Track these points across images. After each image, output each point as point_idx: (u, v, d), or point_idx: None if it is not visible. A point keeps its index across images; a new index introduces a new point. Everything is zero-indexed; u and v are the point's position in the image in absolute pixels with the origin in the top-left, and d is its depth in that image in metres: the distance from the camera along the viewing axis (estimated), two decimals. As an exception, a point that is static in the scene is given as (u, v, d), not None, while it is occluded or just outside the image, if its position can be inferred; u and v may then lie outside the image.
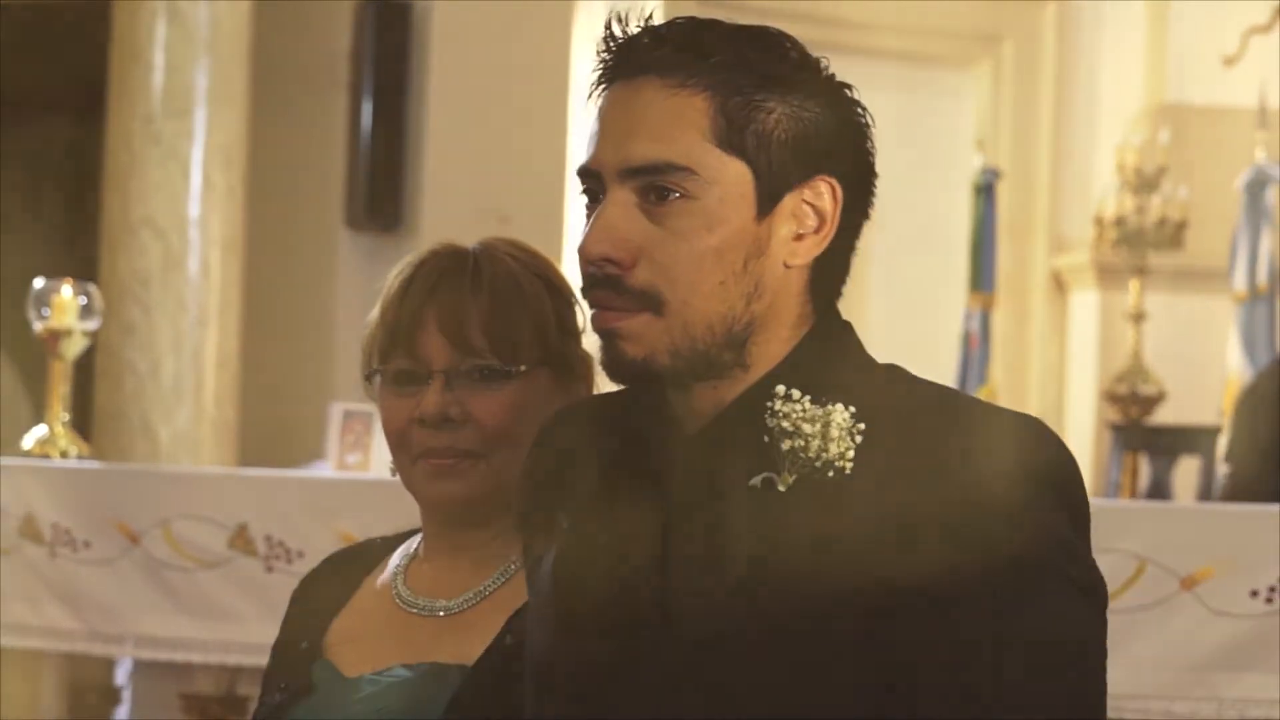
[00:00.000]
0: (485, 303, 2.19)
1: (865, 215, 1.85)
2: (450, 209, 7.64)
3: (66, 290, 4.62)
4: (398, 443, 2.22)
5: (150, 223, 6.92)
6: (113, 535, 4.11)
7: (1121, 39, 9.56)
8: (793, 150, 1.79)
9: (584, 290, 1.82)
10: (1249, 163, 8.69)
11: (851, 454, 1.73)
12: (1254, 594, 3.65)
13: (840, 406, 1.74)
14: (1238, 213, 8.64)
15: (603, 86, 1.83)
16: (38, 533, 4.16)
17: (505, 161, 7.80)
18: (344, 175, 7.97)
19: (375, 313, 2.24)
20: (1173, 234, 8.84)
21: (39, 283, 4.64)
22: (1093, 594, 1.74)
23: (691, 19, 1.82)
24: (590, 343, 2.28)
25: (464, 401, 2.18)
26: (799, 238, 1.80)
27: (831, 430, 1.74)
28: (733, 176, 1.78)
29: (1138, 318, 8.61)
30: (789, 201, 1.80)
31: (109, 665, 4.47)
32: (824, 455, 1.73)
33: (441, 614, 2.21)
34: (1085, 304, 9.49)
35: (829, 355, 1.81)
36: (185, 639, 4.08)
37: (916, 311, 8.96)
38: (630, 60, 1.81)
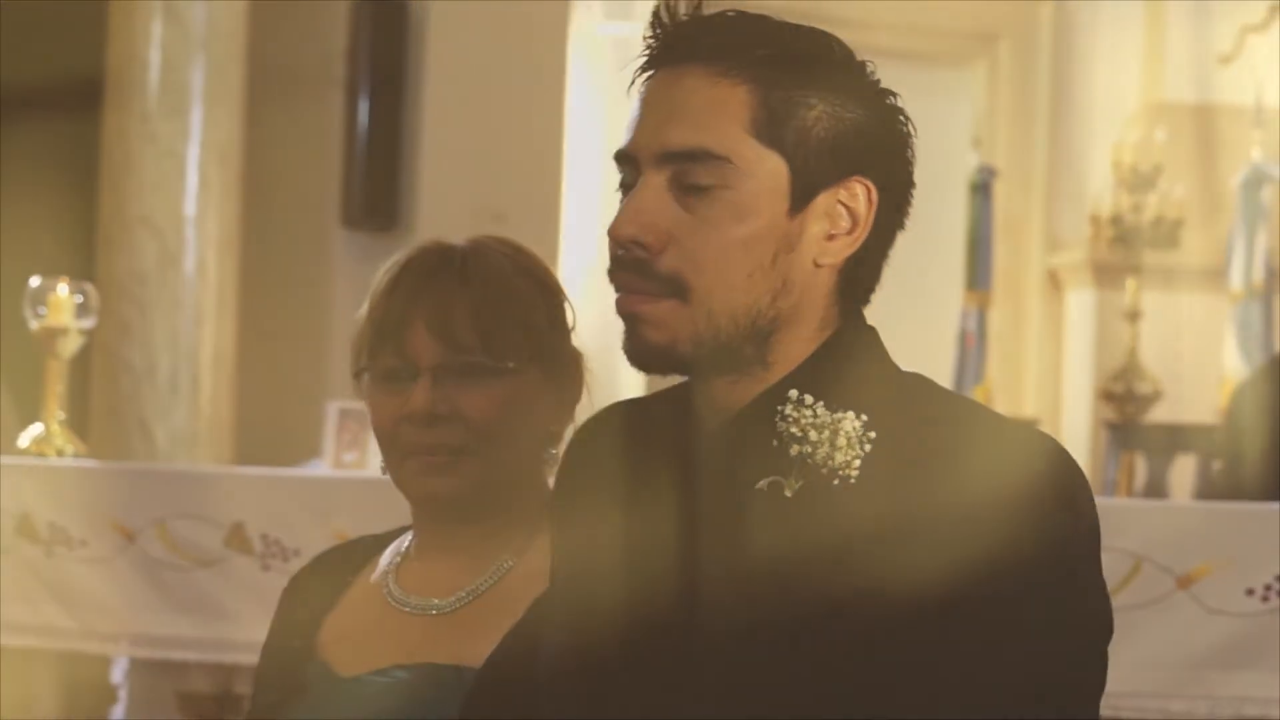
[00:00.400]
0: (473, 299, 2.19)
1: (900, 225, 1.85)
2: (446, 208, 7.64)
3: (63, 289, 4.62)
4: (387, 440, 2.22)
5: (146, 221, 6.92)
6: (109, 534, 4.11)
7: (1118, 37, 9.56)
8: (831, 149, 1.78)
9: (610, 272, 1.81)
10: (1245, 161, 8.69)
11: (858, 463, 1.73)
12: (1250, 592, 3.66)
13: (851, 415, 1.74)
14: (1234, 211, 8.64)
15: (647, 74, 1.82)
16: (34, 532, 4.16)
17: (501, 160, 7.80)
18: (340, 174, 7.97)
19: (363, 310, 2.25)
20: (1169, 232, 8.84)
21: (35, 281, 4.64)
22: (1087, 624, 1.73)
23: (740, 12, 1.82)
24: (582, 341, 2.29)
25: (452, 398, 2.18)
26: (831, 238, 1.80)
27: (839, 438, 1.73)
28: (768, 169, 1.77)
29: (1134, 316, 8.61)
30: (823, 200, 1.79)
31: (105, 664, 4.47)
32: (829, 463, 1.73)
33: (434, 613, 2.20)
34: (1081, 302, 9.49)
35: (848, 361, 1.80)
36: (181, 637, 4.08)
37: (912, 310, 8.96)
38: (675, 48, 1.80)
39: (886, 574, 1.67)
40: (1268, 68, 9.08)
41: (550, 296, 2.26)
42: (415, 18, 7.93)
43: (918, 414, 1.76)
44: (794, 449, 1.74)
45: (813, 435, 1.74)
